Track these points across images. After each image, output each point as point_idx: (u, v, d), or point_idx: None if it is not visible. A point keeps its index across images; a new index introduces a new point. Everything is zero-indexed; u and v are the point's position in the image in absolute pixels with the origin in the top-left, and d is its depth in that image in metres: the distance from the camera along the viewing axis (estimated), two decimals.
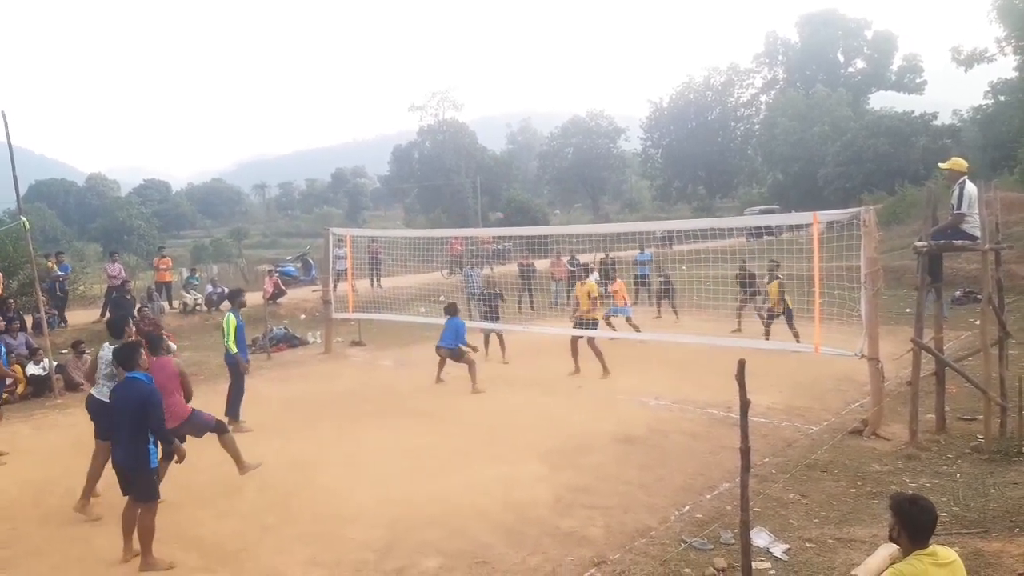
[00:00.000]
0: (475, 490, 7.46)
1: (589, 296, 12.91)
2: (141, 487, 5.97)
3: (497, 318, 14.96)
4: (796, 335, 13.54)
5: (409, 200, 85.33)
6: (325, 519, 6.88)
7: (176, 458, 6.24)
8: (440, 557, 5.98)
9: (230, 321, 10.43)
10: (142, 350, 6.34)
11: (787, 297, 14.24)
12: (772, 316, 14.61)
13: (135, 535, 6.06)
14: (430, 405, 11.20)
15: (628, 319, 15.86)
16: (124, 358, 6.24)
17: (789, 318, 14.13)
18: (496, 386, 11.99)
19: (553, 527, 6.54)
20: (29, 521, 7.11)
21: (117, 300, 16.15)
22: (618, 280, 16.95)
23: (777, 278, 14.67)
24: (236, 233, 72.10)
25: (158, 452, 6.10)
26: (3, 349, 10.28)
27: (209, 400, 11.92)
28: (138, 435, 5.88)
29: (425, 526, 6.60)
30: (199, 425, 7.48)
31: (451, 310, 12.81)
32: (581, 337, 12.99)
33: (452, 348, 12.33)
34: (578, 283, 13.72)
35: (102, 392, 7.16)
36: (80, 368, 13.52)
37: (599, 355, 12.65)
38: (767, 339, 14.09)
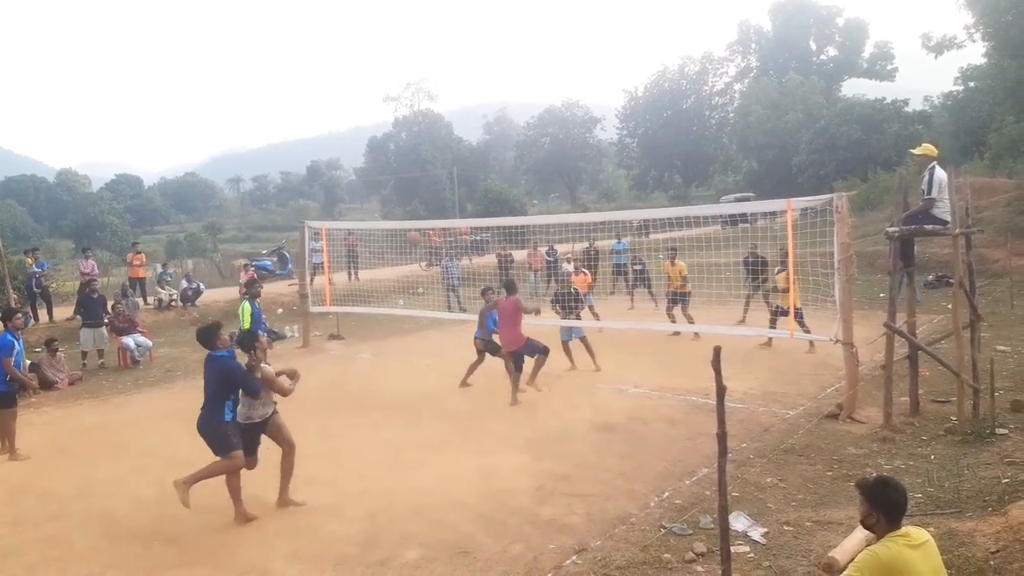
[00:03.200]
0: (455, 481, 7.47)
1: (681, 275, 14.79)
2: (215, 439, 6.59)
3: (577, 318, 12.76)
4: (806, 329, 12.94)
5: (386, 192, 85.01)
6: (305, 513, 6.86)
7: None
8: (422, 548, 5.98)
9: (245, 308, 10.54)
10: (221, 331, 6.86)
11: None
12: (783, 312, 12.96)
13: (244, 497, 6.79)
14: (409, 397, 11.18)
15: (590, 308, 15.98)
16: (204, 340, 6.81)
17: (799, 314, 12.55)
18: (474, 376, 11.97)
19: (533, 516, 6.56)
20: (3, 521, 7.02)
21: (85, 300, 15.51)
22: (581, 274, 16.66)
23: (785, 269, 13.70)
24: (211, 228, 71.28)
25: (234, 410, 6.73)
26: (22, 350, 9.62)
27: (189, 395, 11.87)
28: (215, 402, 6.58)
29: (406, 518, 6.60)
30: (533, 347, 10.63)
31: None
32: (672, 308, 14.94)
33: (487, 340, 11.23)
34: (667, 263, 15.27)
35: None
36: (54, 366, 13.35)
37: (690, 320, 14.47)
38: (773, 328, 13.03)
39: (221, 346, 6.78)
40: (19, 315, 10.05)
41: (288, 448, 7.06)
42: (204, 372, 6.79)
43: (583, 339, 12.45)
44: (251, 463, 6.93)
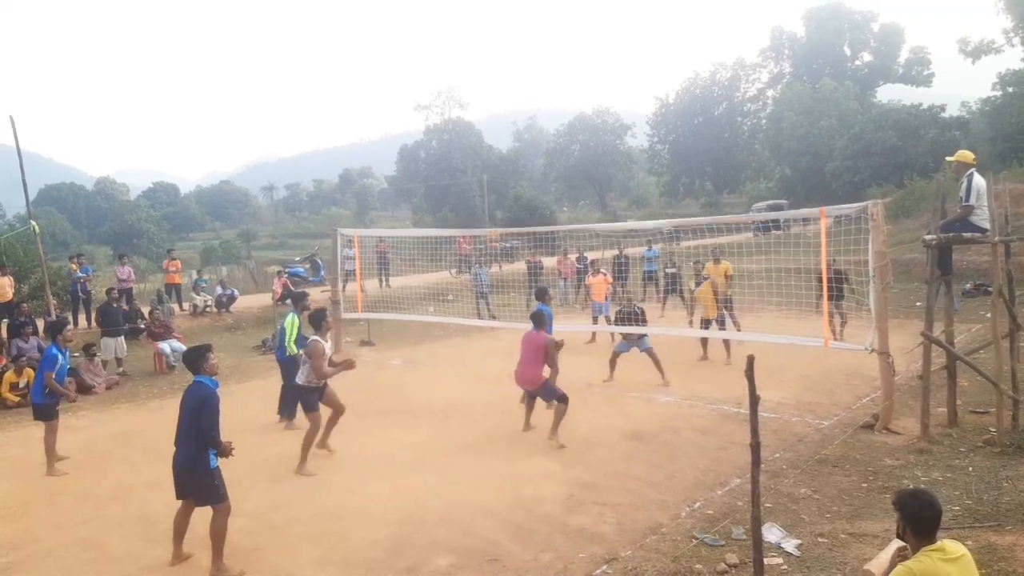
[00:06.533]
0: (484, 487, 7.47)
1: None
2: (202, 490, 5.94)
3: (639, 336, 12.18)
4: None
5: (416, 200, 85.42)
6: (334, 518, 6.90)
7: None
8: (450, 555, 5.99)
9: (294, 322, 10.33)
10: (210, 355, 6.22)
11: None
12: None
13: (185, 539, 6.16)
14: (438, 403, 11.21)
15: (607, 319, 15.75)
16: (190, 361, 6.23)
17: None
18: (505, 383, 11.96)
19: (563, 524, 6.53)
20: (41, 523, 7.15)
21: (104, 309, 15.40)
22: (599, 274, 16.61)
23: None
24: (245, 235, 72.22)
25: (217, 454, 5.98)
26: (66, 364, 9.31)
27: (223, 400, 12.01)
28: (195, 438, 5.86)
29: (434, 524, 6.61)
30: (551, 392, 9.12)
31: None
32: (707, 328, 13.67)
33: None
34: (706, 283, 13.85)
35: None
36: (92, 370, 13.59)
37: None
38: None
39: (208, 371, 6.14)
40: (69, 328, 10.14)
41: (338, 410, 8.87)
42: (182, 400, 6.06)
43: (649, 351, 11.97)
44: (317, 419, 8.41)
